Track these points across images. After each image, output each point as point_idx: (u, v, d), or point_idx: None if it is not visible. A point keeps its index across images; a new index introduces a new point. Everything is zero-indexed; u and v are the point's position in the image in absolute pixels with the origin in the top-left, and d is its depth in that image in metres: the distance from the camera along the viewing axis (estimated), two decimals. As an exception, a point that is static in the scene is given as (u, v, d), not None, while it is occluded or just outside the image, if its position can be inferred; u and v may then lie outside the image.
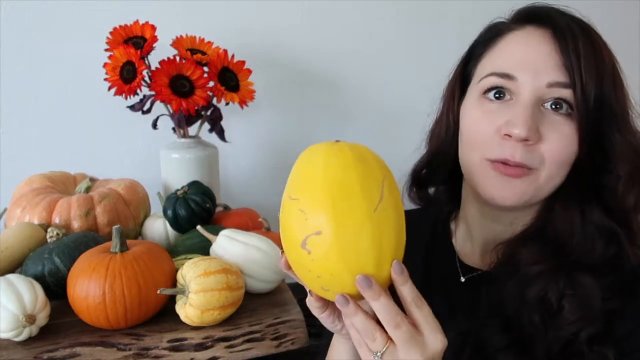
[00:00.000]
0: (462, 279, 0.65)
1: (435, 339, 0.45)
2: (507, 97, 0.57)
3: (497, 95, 0.58)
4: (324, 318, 0.52)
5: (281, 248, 0.48)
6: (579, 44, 0.53)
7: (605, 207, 0.56)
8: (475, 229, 0.66)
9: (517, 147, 0.55)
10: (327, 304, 0.51)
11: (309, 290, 0.50)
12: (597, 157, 0.55)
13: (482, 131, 0.58)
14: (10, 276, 0.69)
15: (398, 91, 1.30)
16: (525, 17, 0.59)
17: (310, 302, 0.51)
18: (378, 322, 0.45)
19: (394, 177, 0.47)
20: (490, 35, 0.61)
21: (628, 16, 1.48)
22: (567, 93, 0.54)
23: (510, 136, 0.55)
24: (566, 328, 0.53)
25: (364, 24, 1.26)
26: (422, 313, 0.45)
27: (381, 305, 0.44)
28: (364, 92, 1.29)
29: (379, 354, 0.45)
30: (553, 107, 0.55)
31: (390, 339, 0.44)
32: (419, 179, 0.72)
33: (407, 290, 0.45)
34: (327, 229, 0.43)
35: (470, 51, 0.65)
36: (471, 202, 0.66)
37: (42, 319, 0.68)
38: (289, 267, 0.48)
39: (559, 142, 0.55)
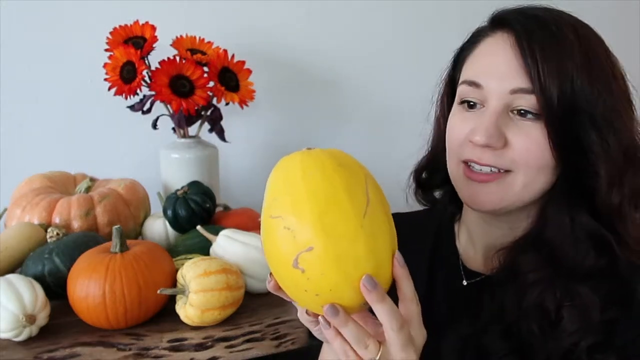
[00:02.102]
0: (465, 283, 0.65)
1: (421, 334, 0.45)
2: (478, 105, 0.58)
3: (471, 104, 0.58)
4: (319, 330, 0.50)
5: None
6: (535, 48, 0.52)
7: (594, 210, 0.55)
8: (476, 234, 0.66)
9: (484, 152, 0.55)
10: None
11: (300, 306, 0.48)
12: (578, 159, 0.54)
13: (456, 138, 0.59)
14: (10, 276, 0.69)
15: (398, 91, 1.30)
16: (495, 22, 0.59)
17: (303, 317, 0.49)
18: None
19: (373, 176, 0.45)
20: (472, 42, 0.62)
21: (628, 16, 1.48)
22: (530, 99, 0.53)
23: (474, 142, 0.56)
24: (566, 338, 0.52)
25: (364, 24, 1.26)
26: (417, 308, 0.45)
27: (387, 308, 0.43)
28: (364, 92, 1.29)
29: None
30: (520, 112, 0.55)
31: (380, 342, 0.44)
32: (421, 181, 0.72)
33: (409, 285, 0.45)
34: (319, 244, 0.40)
35: (456, 57, 0.65)
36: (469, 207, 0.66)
37: (42, 319, 0.68)
38: (279, 289, 0.46)
39: (525, 145, 0.54)
